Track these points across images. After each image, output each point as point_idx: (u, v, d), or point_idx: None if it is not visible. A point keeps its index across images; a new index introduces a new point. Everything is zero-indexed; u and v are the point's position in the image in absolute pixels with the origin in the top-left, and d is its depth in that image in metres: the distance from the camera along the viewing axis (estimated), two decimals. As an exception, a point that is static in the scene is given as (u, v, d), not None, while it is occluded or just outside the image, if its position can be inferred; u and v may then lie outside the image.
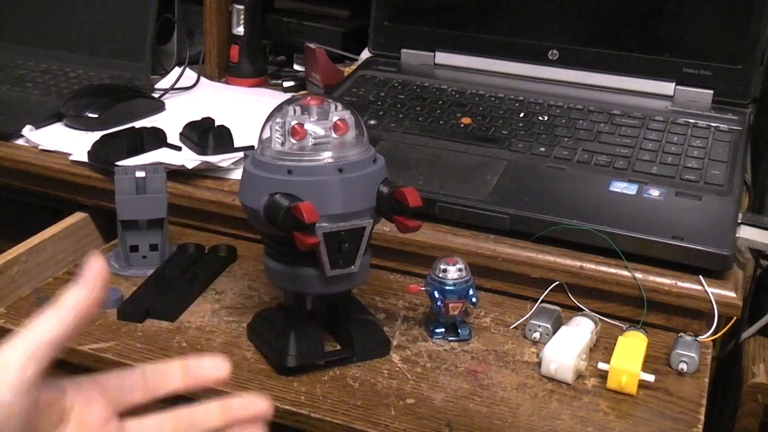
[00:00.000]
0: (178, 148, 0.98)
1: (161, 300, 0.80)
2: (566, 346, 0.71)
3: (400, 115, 1.00)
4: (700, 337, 0.76)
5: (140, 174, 0.84)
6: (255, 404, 0.48)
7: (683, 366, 0.72)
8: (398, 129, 0.97)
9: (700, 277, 0.77)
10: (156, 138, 0.99)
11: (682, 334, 0.75)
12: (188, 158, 0.94)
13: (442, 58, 1.11)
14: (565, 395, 0.69)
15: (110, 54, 1.23)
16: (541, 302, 0.81)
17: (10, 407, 0.40)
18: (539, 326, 0.76)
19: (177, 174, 0.92)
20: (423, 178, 0.87)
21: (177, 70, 1.23)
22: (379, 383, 0.70)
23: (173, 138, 1.00)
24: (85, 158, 0.95)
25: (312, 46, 1.20)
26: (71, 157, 0.96)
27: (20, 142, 1.02)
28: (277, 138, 0.69)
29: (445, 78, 1.08)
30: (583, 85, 1.04)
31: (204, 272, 0.85)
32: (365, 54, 1.18)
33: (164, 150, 0.98)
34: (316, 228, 0.65)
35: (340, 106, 0.70)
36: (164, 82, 1.21)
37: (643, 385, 0.69)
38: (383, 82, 1.08)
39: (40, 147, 1.00)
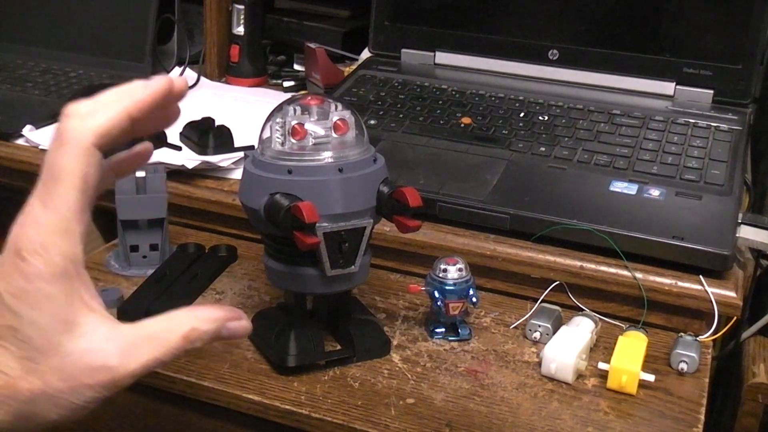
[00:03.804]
0: (178, 148, 0.98)
1: (161, 300, 0.80)
2: (566, 346, 0.71)
3: (400, 115, 1.00)
4: (700, 337, 0.76)
5: (140, 174, 0.84)
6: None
7: (683, 366, 0.72)
8: (398, 129, 0.97)
9: (701, 277, 0.77)
10: (156, 138, 0.99)
11: (682, 334, 0.75)
12: (188, 158, 0.94)
13: (442, 57, 1.11)
14: (565, 395, 0.69)
15: (110, 54, 1.23)
16: (541, 302, 0.81)
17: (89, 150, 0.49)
18: (539, 326, 0.76)
19: (177, 174, 0.92)
20: (423, 178, 0.87)
21: (177, 70, 1.23)
22: (380, 383, 0.70)
23: (173, 138, 1.00)
24: (85, 158, 0.95)
25: (312, 46, 1.20)
26: (71, 157, 0.96)
27: (20, 142, 1.02)
28: (278, 138, 0.69)
29: (445, 78, 1.08)
30: (583, 85, 1.04)
31: (204, 272, 0.85)
32: (365, 54, 1.18)
33: (164, 150, 0.98)
34: (317, 228, 0.65)
35: (340, 106, 0.70)
36: (164, 82, 1.21)
37: (643, 385, 0.69)
38: (383, 82, 1.08)
39: (40, 147, 1.00)
